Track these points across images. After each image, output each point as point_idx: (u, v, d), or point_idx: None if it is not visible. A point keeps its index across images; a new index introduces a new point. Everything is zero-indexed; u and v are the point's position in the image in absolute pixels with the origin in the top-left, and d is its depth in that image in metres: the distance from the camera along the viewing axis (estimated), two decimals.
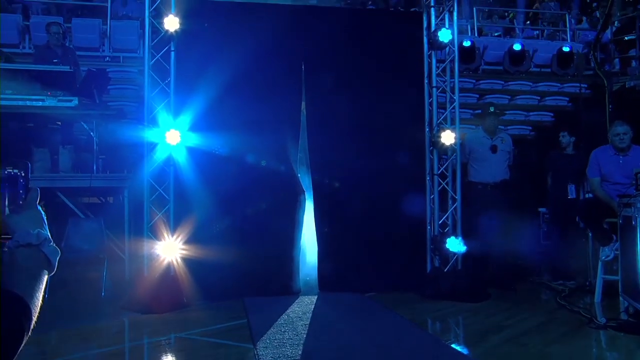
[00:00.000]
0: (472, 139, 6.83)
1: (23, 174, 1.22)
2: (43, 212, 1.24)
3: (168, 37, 5.78)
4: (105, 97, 7.50)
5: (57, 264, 1.21)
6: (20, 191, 1.22)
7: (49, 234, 1.21)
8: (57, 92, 5.80)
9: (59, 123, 6.48)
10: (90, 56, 8.83)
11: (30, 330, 1.09)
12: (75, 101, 5.86)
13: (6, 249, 1.16)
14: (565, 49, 9.87)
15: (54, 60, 6.54)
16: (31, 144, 6.07)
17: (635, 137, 5.81)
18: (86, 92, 6.20)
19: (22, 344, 1.05)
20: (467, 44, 9.10)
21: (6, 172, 1.20)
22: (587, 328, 4.76)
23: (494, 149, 6.62)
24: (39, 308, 1.13)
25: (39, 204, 1.25)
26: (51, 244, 1.20)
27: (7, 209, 1.19)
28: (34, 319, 1.10)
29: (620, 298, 5.05)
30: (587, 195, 6.25)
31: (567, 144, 7.38)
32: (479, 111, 7.63)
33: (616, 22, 8.94)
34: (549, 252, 7.53)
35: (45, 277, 1.19)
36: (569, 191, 7.26)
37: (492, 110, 6.75)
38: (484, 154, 6.64)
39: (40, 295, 1.14)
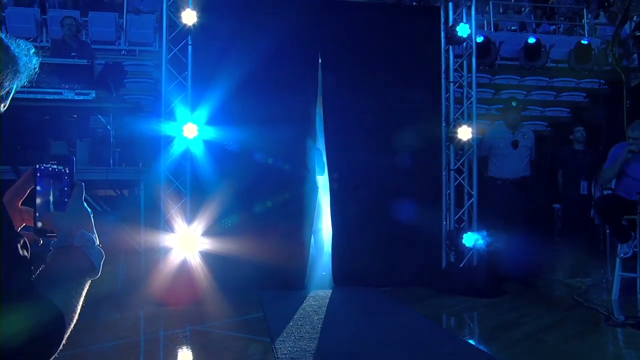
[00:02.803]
0: (493, 133, 6.76)
1: (67, 170, 1.17)
2: (89, 210, 1.18)
3: (185, 31, 5.79)
4: (122, 90, 7.53)
5: (101, 267, 1.15)
6: (65, 188, 1.17)
7: (95, 233, 1.16)
8: (75, 85, 5.83)
9: (75, 116, 6.51)
10: (106, 49, 8.87)
11: (64, 340, 1.03)
12: (92, 94, 5.88)
13: (51, 249, 1.11)
14: (584, 41, 9.78)
15: (72, 54, 6.58)
16: (48, 137, 6.10)
17: None
18: (103, 85, 6.23)
19: (52, 357, 1.00)
20: (479, 39, 9.02)
21: (50, 168, 1.15)
22: (604, 325, 4.73)
23: (515, 144, 6.54)
24: (76, 316, 1.07)
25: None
26: (95, 245, 1.15)
27: (52, 206, 1.14)
28: (69, 329, 1.04)
29: (639, 295, 5.02)
30: (604, 192, 6.18)
31: (581, 140, 7.35)
32: (501, 106, 7.57)
33: (635, 17, 8.82)
34: (564, 248, 7.49)
35: (87, 283, 1.13)
36: (581, 187, 7.22)
37: (514, 104, 6.69)
38: (505, 149, 6.57)
39: (78, 304, 1.08)
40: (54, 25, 8.47)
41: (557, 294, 6.40)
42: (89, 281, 1.13)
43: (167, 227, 5.76)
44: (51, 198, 1.14)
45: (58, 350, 1.01)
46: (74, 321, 1.06)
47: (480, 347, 4.18)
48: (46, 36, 8.93)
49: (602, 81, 8.97)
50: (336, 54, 6.35)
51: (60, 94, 5.76)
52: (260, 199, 6.00)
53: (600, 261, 6.53)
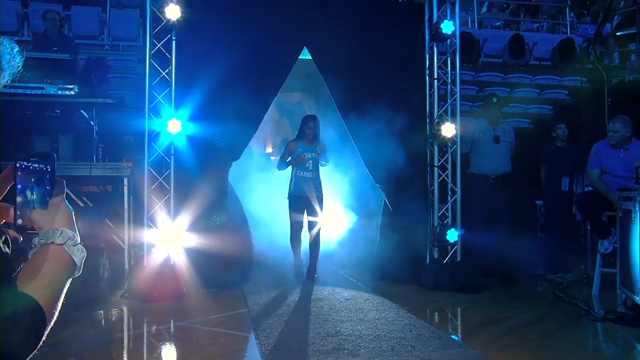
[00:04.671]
0: (474, 129, 6.80)
1: (49, 168, 1.17)
2: (71, 207, 1.19)
3: (169, 26, 5.73)
4: (105, 85, 7.46)
5: (82, 264, 1.15)
6: (48, 187, 1.17)
7: (76, 231, 1.16)
8: (57, 80, 5.77)
9: (58, 111, 6.44)
10: (89, 44, 8.78)
11: (45, 336, 1.03)
12: (75, 89, 5.82)
13: (32, 246, 1.12)
14: (567, 39, 9.88)
15: (54, 49, 6.50)
16: (31, 132, 6.03)
17: (635, 130, 5.80)
18: (86, 81, 6.17)
19: (32, 353, 1.00)
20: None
21: (31, 166, 1.14)
22: (585, 320, 4.79)
23: (496, 139, 6.59)
24: (57, 313, 1.07)
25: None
26: (77, 243, 1.15)
27: (33, 204, 1.14)
28: (49, 326, 1.05)
29: (618, 291, 5.06)
30: (586, 188, 6.27)
31: (563, 137, 7.43)
32: (481, 103, 7.63)
33: (616, 16, 8.91)
34: (546, 244, 7.57)
35: (68, 280, 1.13)
36: (563, 184, 7.30)
37: (495, 101, 6.74)
38: (486, 144, 6.61)
39: (59, 301, 1.09)
40: (35, 19, 8.36)
41: (538, 289, 6.47)
42: (70, 278, 1.14)
43: (151, 223, 5.72)
44: (32, 196, 1.14)
45: (38, 347, 1.01)
46: (55, 318, 1.06)
47: (464, 342, 4.20)
48: (27, 30, 8.82)
49: (584, 79, 9.07)
50: (320, 48, 6.33)
51: (42, 88, 5.71)
52: (243, 195, 5.99)
53: (581, 257, 6.60)
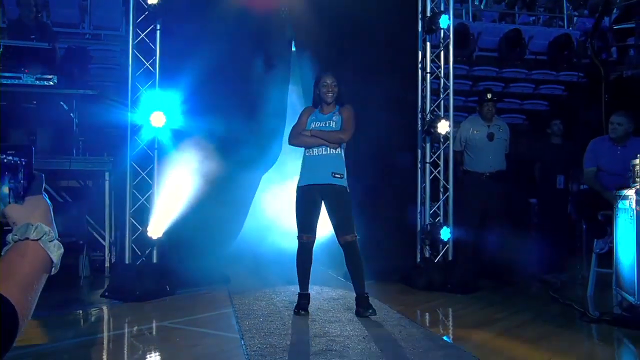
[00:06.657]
0: (468, 126, 6.64)
1: (25, 161, 1.12)
2: (50, 202, 1.15)
3: (153, 15, 5.57)
4: (86, 76, 7.28)
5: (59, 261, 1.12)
6: (22, 181, 1.12)
7: (54, 227, 1.13)
8: (35, 69, 5.59)
9: (35, 102, 6.26)
10: (69, 33, 8.55)
11: (17, 336, 0.99)
12: (54, 79, 5.65)
13: (7, 243, 1.08)
14: (564, 33, 9.79)
15: (31, 37, 6.29)
16: (6, 124, 5.85)
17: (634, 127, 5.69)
18: (66, 71, 6.01)
19: (3, 355, 0.96)
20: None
21: (6, 159, 1.09)
22: (579, 321, 4.73)
23: (490, 136, 6.43)
24: (31, 312, 1.04)
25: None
26: (53, 239, 1.11)
27: (8, 199, 1.11)
28: (23, 326, 1.01)
29: (614, 292, 4.99)
30: (581, 187, 6.17)
31: (559, 133, 7.32)
32: (474, 98, 7.49)
33: (615, 10, 8.80)
34: (540, 243, 7.46)
35: (44, 277, 1.10)
36: (558, 182, 7.20)
37: (489, 97, 6.56)
38: (480, 141, 6.45)
39: (34, 300, 1.06)
40: (10, 5, 8.07)
41: (532, 290, 6.40)
42: (46, 276, 1.11)
43: (133, 219, 5.58)
44: (7, 190, 1.10)
45: (10, 348, 0.98)
46: (29, 318, 1.04)
47: (455, 343, 4.12)
48: (3, 17, 8.54)
49: (580, 74, 8.97)
50: (309, 39, 6.20)
51: (19, 78, 5.54)
52: (229, 191, 5.85)
53: (576, 257, 6.53)
